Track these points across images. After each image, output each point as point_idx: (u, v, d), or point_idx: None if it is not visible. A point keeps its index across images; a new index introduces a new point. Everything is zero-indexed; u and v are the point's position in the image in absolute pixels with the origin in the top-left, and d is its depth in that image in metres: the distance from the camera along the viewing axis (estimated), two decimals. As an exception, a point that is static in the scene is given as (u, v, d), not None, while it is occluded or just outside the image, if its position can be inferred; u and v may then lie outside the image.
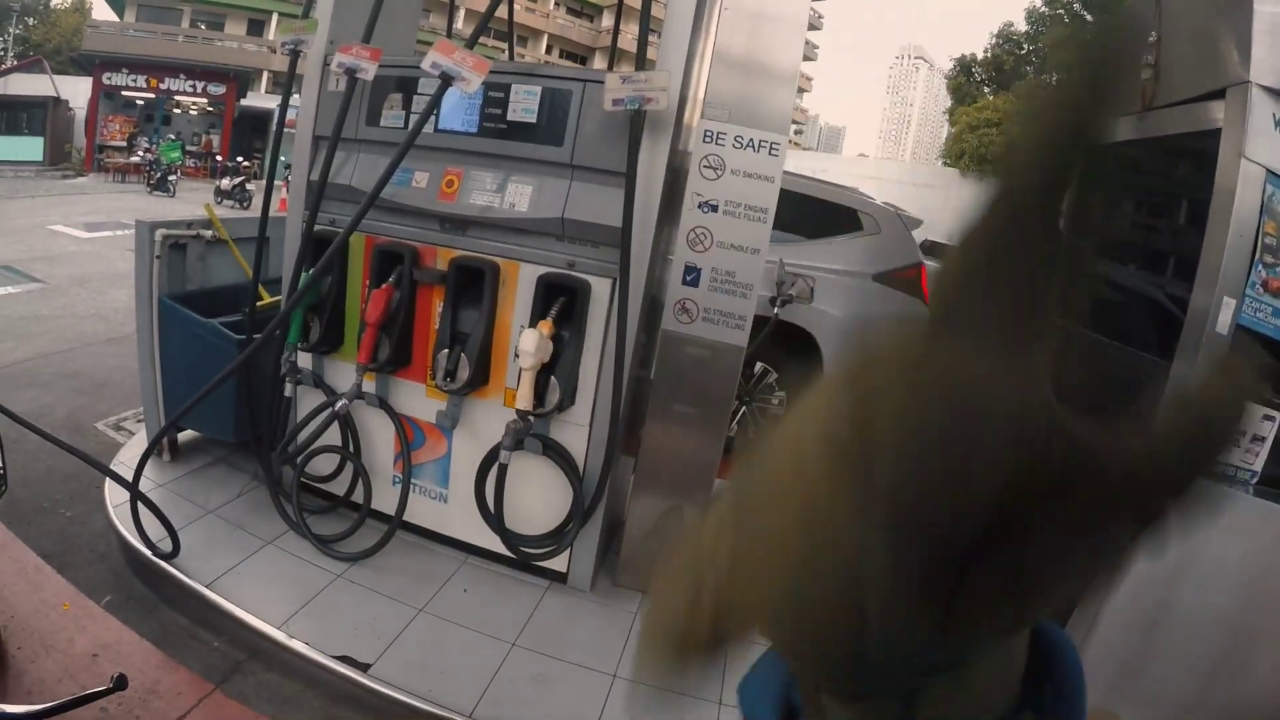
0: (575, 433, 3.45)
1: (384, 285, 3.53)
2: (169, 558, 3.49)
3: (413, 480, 3.75)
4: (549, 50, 39.54)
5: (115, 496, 3.92)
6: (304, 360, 3.87)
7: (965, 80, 33.06)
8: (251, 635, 3.23)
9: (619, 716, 2.94)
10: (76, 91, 29.65)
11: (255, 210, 4.32)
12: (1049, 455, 0.35)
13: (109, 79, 29.83)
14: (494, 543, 3.66)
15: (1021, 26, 31.61)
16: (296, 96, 3.85)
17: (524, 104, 3.36)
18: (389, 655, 3.11)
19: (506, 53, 5.56)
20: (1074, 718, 0.46)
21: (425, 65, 3.13)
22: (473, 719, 2.85)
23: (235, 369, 3.45)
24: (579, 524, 3.46)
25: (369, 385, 3.71)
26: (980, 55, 33.15)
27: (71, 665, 3.24)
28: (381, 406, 3.71)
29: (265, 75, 33.34)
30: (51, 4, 48.76)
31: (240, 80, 31.40)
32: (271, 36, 33.48)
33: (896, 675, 0.41)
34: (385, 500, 3.78)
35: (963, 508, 0.34)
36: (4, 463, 1.49)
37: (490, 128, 3.42)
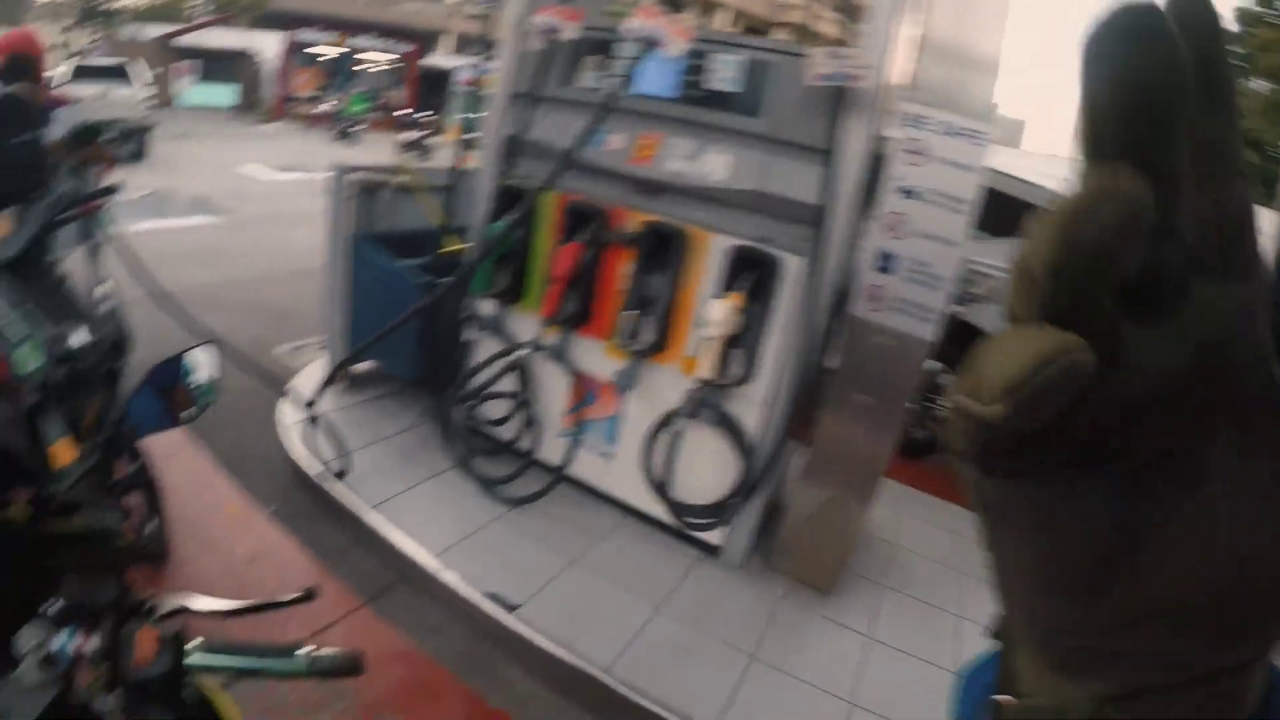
0: (750, 409, 3.35)
1: (573, 242, 3.52)
2: (338, 477, 3.63)
3: (581, 435, 3.75)
4: (734, 22, 39.19)
5: (289, 416, 4.11)
6: (487, 308, 3.92)
7: None
8: (406, 561, 3.31)
9: (751, 698, 2.88)
10: (266, 46, 31.61)
11: (446, 163, 4.45)
12: (1247, 377, 0.32)
13: (299, 35, 31.55)
14: (653, 507, 3.64)
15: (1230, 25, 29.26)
16: (478, 56, 3.93)
17: (724, 73, 3.29)
18: (536, 600, 3.12)
19: (698, 23, 5.55)
20: None
21: (628, 28, 3.13)
22: (609, 675, 2.83)
23: (425, 308, 3.54)
24: (742, 500, 3.38)
25: (549, 338, 3.72)
26: None
27: (232, 565, 3.43)
28: (559, 360, 3.72)
29: (445, 37, 34.41)
30: None
31: (424, 40, 32.67)
32: (451, 1, 34.59)
33: (1092, 644, 0.37)
34: (551, 452, 3.82)
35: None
36: (215, 377, 1.54)
37: (689, 95, 3.36)
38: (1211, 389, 0.32)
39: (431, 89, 31.12)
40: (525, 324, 3.83)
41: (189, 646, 1.00)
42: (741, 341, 3.25)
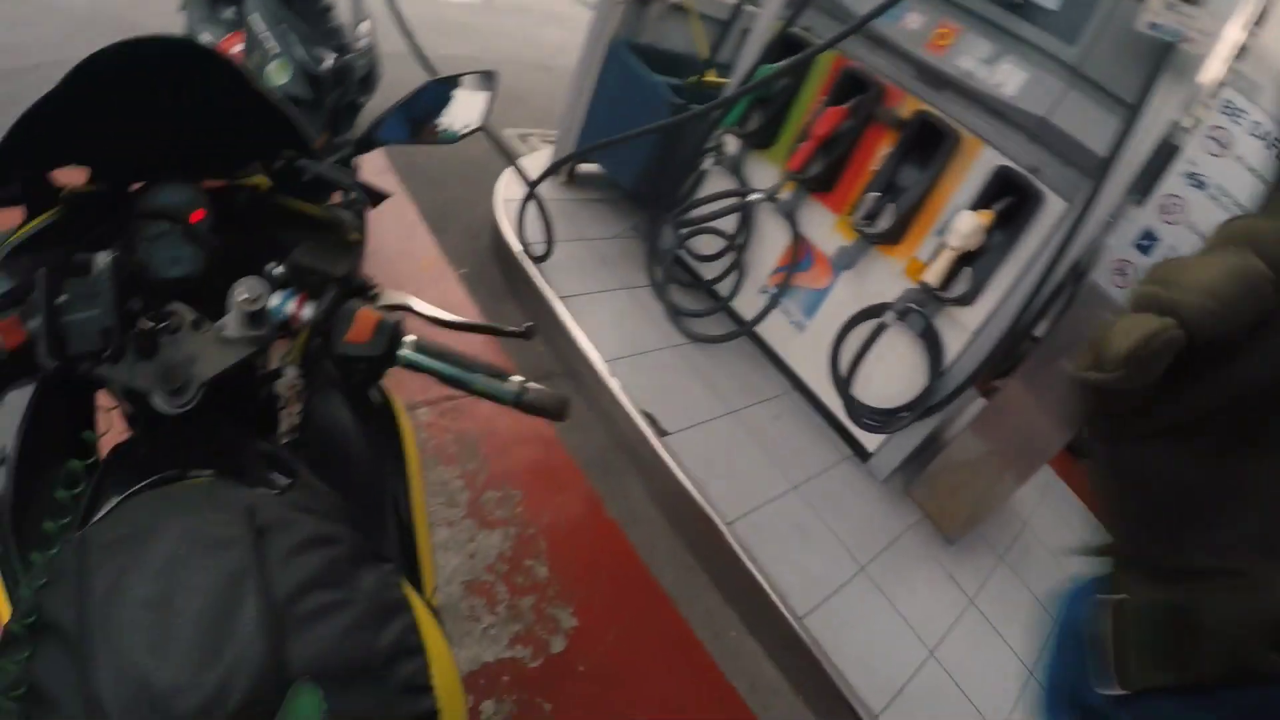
0: (957, 333, 3.25)
1: (841, 107, 3.41)
2: (539, 260, 3.73)
3: (782, 298, 3.75)
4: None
5: (505, 193, 4.22)
6: (731, 145, 3.88)
7: None
8: (577, 355, 3.43)
9: (845, 605, 2.92)
10: None
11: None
12: None
13: None
14: (824, 390, 3.64)
15: None
16: None
17: (1052, -12, 3.09)
18: (685, 434, 3.19)
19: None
20: None
21: None
22: (727, 527, 2.90)
23: (670, 125, 3.54)
24: (915, 416, 3.32)
25: (785, 194, 3.66)
26: None
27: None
28: (787, 218, 3.67)
29: None
30: None
31: None
32: None
33: (1182, 561, 0.48)
34: (746, 305, 3.84)
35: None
36: (487, 108, 1.54)
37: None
38: None
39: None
40: (765, 172, 3.77)
41: (405, 339, 1.00)
42: (976, 263, 3.13)
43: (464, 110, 1.42)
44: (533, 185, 3.76)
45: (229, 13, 3.78)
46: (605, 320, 3.63)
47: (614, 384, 3.29)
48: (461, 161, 4.62)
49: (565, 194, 4.45)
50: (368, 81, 3.66)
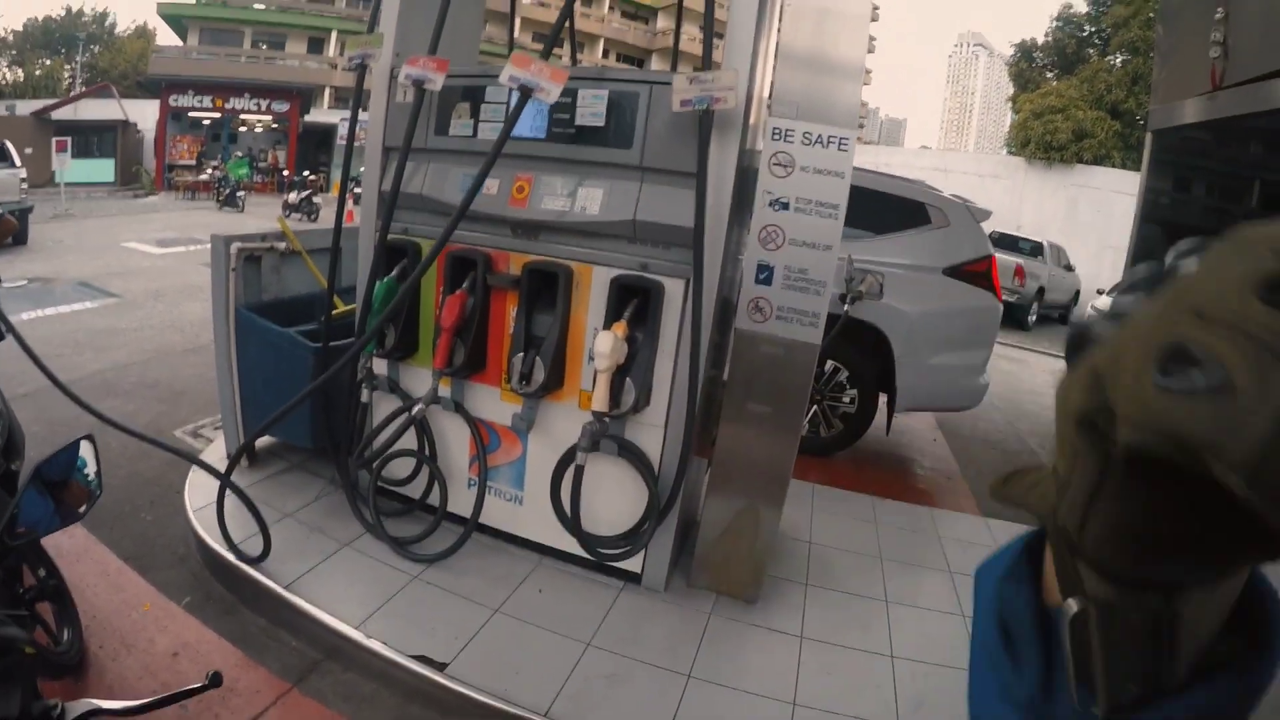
0: (650, 433, 3.45)
1: (458, 291, 3.56)
2: (257, 561, 3.56)
3: (488, 483, 3.77)
4: (605, 54, 39.72)
5: (195, 501, 4.02)
6: (379, 366, 3.92)
7: (1027, 66, 32.13)
8: (329, 635, 3.28)
9: (693, 716, 2.93)
10: (144, 114, 30.85)
11: (324, 222, 4.39)
12: None
13: (175, 101, 30.89)
14: (569, 544, 3.68)
15: (1082, 7, 30.53)
16: (362, 111, 3.91)
17: (592, 108, 3.38)
18: (465, 655, 3.13)
19: (567, 58, 5.60)
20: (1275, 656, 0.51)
21: (503, 79, 3.15)
22: (548, 718, 2.86)
23: (324, 382, 3.51)
24: (654, 524, 3.46)
25: (444, 390, 3.74)
26: (1041, 39, 32.15)
27: (152, 663, 3.34)
28: (457, 411, 3.75)
29: (327, 91, 34.04)
30: (116, 31, 50.70)
31: (303, 97, 32.23)
32: (332, 53, 34.29)
33: (1164, 577, 0.47)
34: (461, 503, 3.82)
35: None
36: (99, 469, 1.52)
37: (559, 133, 3.45)
38: None
39: (317, 145, 30.76)
40: (420, 378, 3.85)
41: None
42: (632, 369, 3.34)
43: (90, 463, 1.35)
44: (224, 482, 3.58)
45: None
46: (340, 586, 3.53)
47: (375, 645, 3.18)
48: (143, 483, 4.36)
49: (253, 477, 4.31)
50: (9, 449, 3.34)
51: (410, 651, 3.12)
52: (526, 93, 3.15)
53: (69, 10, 50.29)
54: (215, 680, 1.23)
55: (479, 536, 3.83)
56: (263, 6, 36.44)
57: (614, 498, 3.54)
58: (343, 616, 3.30)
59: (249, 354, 4.23)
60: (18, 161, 16.53)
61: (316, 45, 36.15)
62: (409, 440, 3.81)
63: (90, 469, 1.48)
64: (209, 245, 4.22)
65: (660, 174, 3.30)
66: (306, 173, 24.95)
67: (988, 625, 0.61)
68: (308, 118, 32.11)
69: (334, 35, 34.92)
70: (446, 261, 3.63)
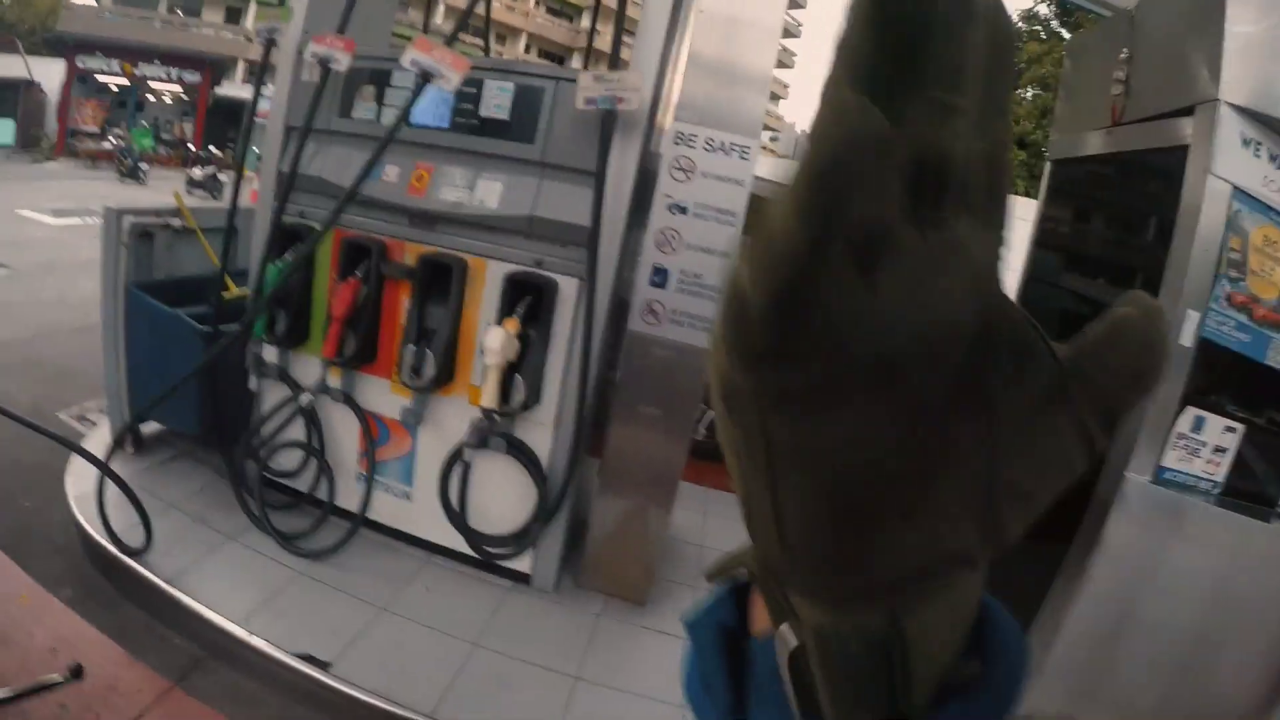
0: (540, 432, 3.46)
1: (351, 279, 3.51)
2: (138, 553, 3.45)
3: (377, 477, 3.74)
4: (527, 49, 39.48)
5: (76, 488, 3.87)
6: (269, 354, 3.83)
7: None
8: (212, 632, 3.20)
9: (581, 717, 2.95)
10: (49, 74, 29.31)
11: (228, 201, 4.27)
12: (1009, 314, 0.36)
13: (83, 63, 29.51)
14: (458, 542, 3.66)
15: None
16: (270, 87, 3.82)
17: (496, 100, 3.36)
18: (350, 654, 3.09)
19: (483, 49, 5.53)
20: (1014, 681, 0.45)
21: (404, 62, 3.12)
22: (434, 719, 2.84)
23: (206, 366, 3.42)
24: (542, 524, 3.48)
25: (334, 380, 3.69)
26: None
27: (29, 658, 3.20)
28: (346, 402, 3.70)
29: (241, 64, 33.00)
30: None
31: (216, 68, 31.20)
32: (249, 25, 33.20)
33: (880, 575, 0.40)
34: (349, 497, 3.78)
35: (947, 335, 0.34)
36: None
37: (462, 123, 3.42)
38: (988, 327, 0.35)
39: (226, 120, 29.79)
40: (310, 367, 3.78)
41: None
42: (523, 366, 3.35)
43: None
44: (104, 469, 3.46)
45: None
46: (224, 581, 3.44)
47: (258, 643, 3.11)
48: (23, 470, 4.17)
49: (138, 464, 4.17)
50: None
51: (294, 650, 3.06)
52: (427, 78, 3.12)
53: None
54: (76, 672, 1.19)
55: (367, 533, 3.78)
56: None
57: (503, 496, 3.54)
58: (226, 613, 3.22)
59: (137, 334, 4.10)
60: None
61: (234, 15, 34.91)
62: (297, 431, 3.75)
63: None
64: (97, 218, 4.05)
65: (561, 171, 3.31)
66: (213, 148, 24.17)
67: (690, 671, 0.56)
68: (219, 90, 31.07)
69: (252, 6, 33.82)
70: (340, 248, 3.58)
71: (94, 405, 5.14)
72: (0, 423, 3.54)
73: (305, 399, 3.62)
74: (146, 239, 4.22)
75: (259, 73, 3.85)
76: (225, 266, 3.89)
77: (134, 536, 3.49)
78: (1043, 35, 23.45)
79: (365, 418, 3.68)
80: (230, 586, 3.39)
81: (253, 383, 3.83)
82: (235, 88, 31.12)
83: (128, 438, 4.10)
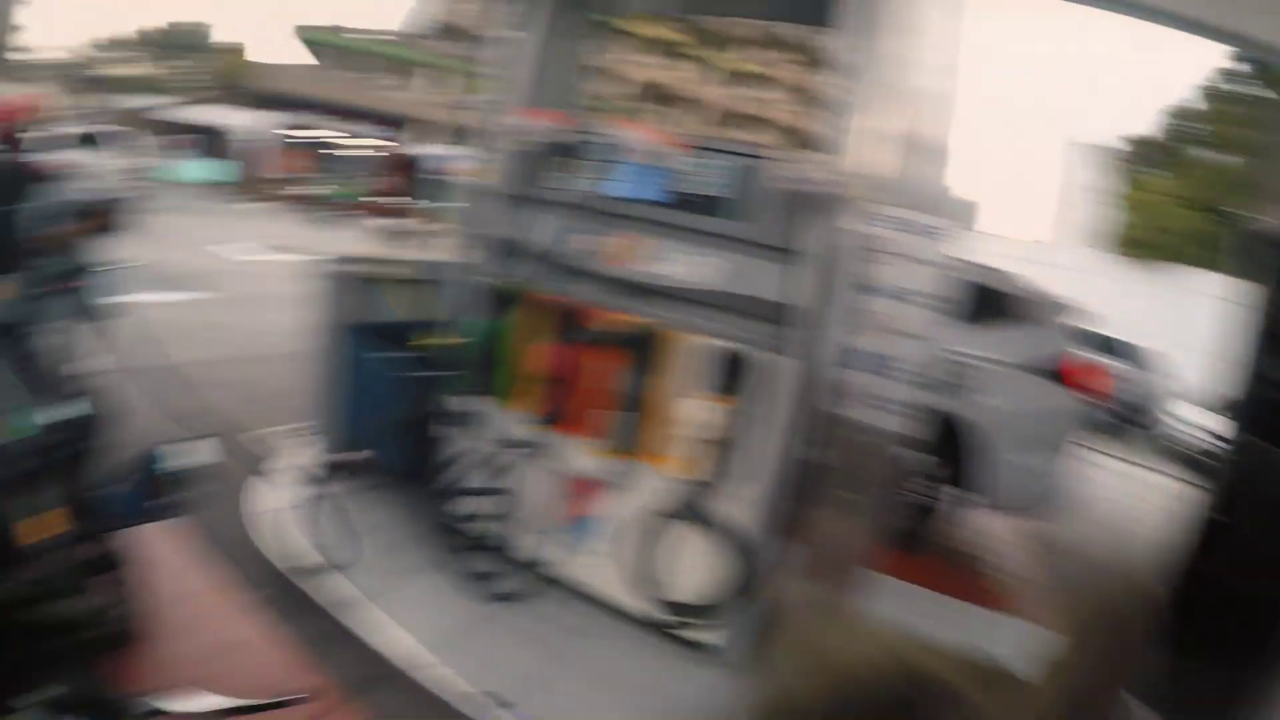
0: (735, 507, 3.42)
1: (557, 342, 3.65)
2: (333, 571, 3.65)
3: (568, 534, 3.79)
4: (713, 121, 40.06)
5: (272, 503, 4.08)
6: (470, 404, 3.97)
7: (1129, 161, 30.81)
8: (388, 657, 3.32)
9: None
10: (255, 125, 32.30)
11: (427, 254, 4.49)
12: None
13: (294, 118, 32.35)
14: (643, 607, 3.64)
15: (1188, 102, 29.16)
16: (458, 147, 4.03)
17: (701, 176, 3.48)
18: (531, 700, 3.12)
19: (677, 124, 5.67)
20: None
21: (614, 139, 3.22)
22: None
23: (412, 410, 3.55)
24: (731, 599, 3.43)
25: (532, 436, 3.79)
26: (1145, 134, 30.73)
27: (204, 654, 3.34)
28: (541, 458, 3.79)
29: (424, 125, 35.11)
30: (214, 45, 54.67)
31: (405, 127, 33.40)
32: (431, 91, 35.56)
33: None
34: (539, 549, 3.85)
35: None
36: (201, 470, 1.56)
37: (666, 197, 3.53)
38: None
39: (408, 175, 31.64)
40: (508, 421, 3.89)
41: None
42: (723, 441, 3.35)
43: (185, 460, 1.38)
44: (323, 488, 3.67)
45: None
46: (410, 610, 3.57)
47: (433, 674, 3.19)
48: (224, 478, 4.42)
49: (335, 489, 4.32)
50: (93, 426, 3.44)
51: (470, 687, 3.13)
52: (636, 154, 3.22)
53: (177, 22, 54.13)
54: (306, 698, 1.25)
55: (553, 586, 3.83)
56: (386, 39, 38.25)
57: (692, 568, 3.51)
58: (405, 640, 3.35)
59: (344, 371, 4.38)
60: (127, 152, 17.21)
61: (418, 81, 37.57)
62: (494, 480, 3.86)
63: (189, 464, 1.51)
64: (302, 257, 4.32)
65: (762, 248, 3.35)
66: (399, 200, 25.46)
67: None
68: (412, 149, 33.11)
69: (435, 72, 36.36)
70: (547, 312, 3.71)
71: (287, 428, 5.40)
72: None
73: (503, 451, 3.74)
74: (357, 283, 4.50)
75: (461, 138, 4.07)
76: (429, 316, 4.07)
77: (328, 555, 3.70)
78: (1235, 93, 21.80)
79: (559, 474, 3.76)
80: (415, 616, 3.51)
81: (453, 429, 3.97)
82: (421, 146, 33.09)
83: (332, 463, 4.33)
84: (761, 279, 3.32)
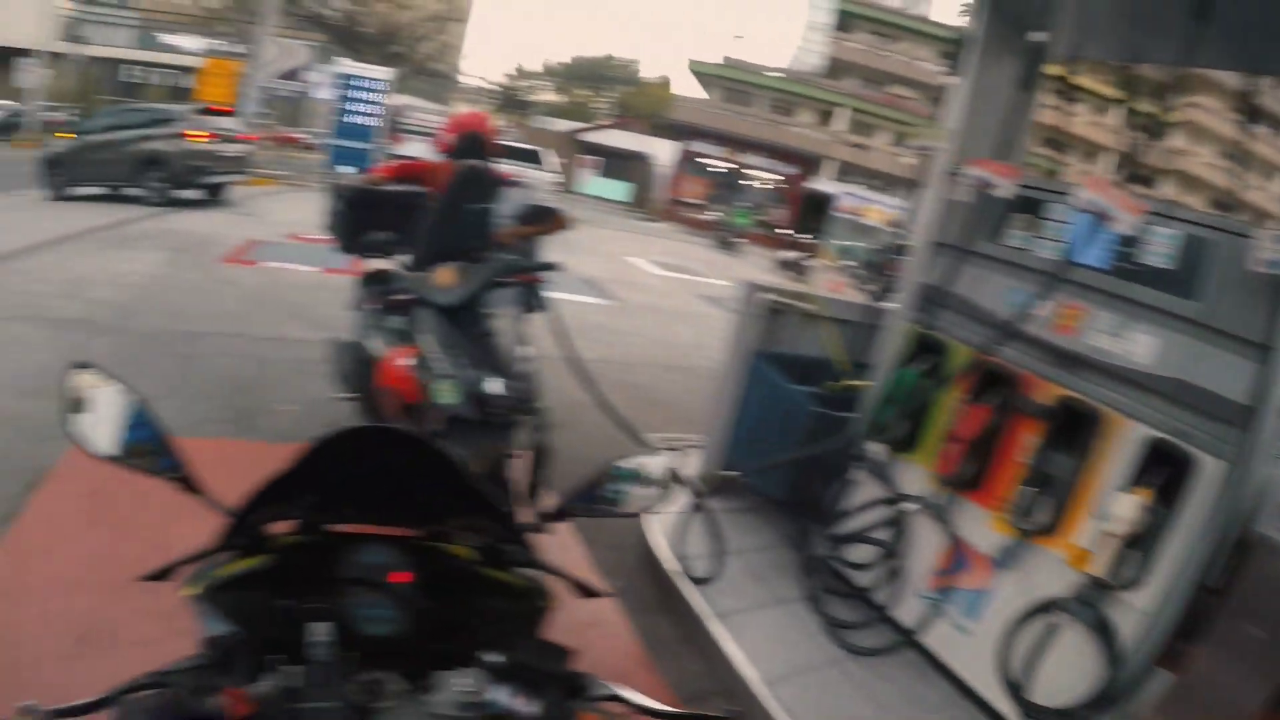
0: (1130, 617, 3.03)
1: (980, 404, 3.45)
2: (703, 581, 3.75)
3: (941, 602, 3.58)
4: (1186, 192, 36.84)
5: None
6: (876, 452, 3.88)
7: None
8: (733, 677, 3.33)
9: None
10: (660, 151, 35.08)
11: (814, 285, 4.51)
12: None
13: (693, 146, 34.71)
14: (995, 696, 3.31)
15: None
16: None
17: (1158, 247, 3.12)
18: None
19: (1144, 191, 5.20)
20: None
21: (1079, 199, 3.02)
22: None
23: (817, 449, 3.57)
24: (1103, 714, 3.03)
25: (934, 496, 3.62)
26: None
27: (568, 627, 3.52)
28: (939, 519, 3.60)
29: (830, 162, 35.75)
30: (640, 77, 60.90)
31: (808, 164, 34.40)
32: (836, 128, 36.23)
33: None
34: (905, 611, 3.68)
35: None
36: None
37: (1120, 267, 3.21)
38: None
39: (811, 211, 32.37)
40: (912, 474, 3.76)
41: None
42: (1139, 543, 2.98)
43: (638, 493, 1.48)
44: (701, 500, 3.82)
45: (397, 322, 4.15)
46: (761, 637, 3.57)
47: (774, 706, 3.15)
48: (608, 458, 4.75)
49: (712, 505, 4.47)
50: (526, 404, 3.84)
51: None
52: (1099, 218, 2.99)
53: (607, 55, 61.40)
54: (734, 716, 1.25)
55: (906, 651, 3.64)
56: (778, 75, 39.76)
57: (1063, 668, 3.13)
58: (754, 665, 3.34)
59: (749, 395, 4.52)
60: (550, 166, 19.36)
61: (825, 117, 38.38)
62: (879, 531, 3.77)
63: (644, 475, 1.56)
64: (704, 278, 4.53)
65: (1220, 336, 2.93)
66: (804, 236, 25.99)
67: None
68: (808, 184, 33.99)
69: (842, 111, 36.99)
70: (975, 371, 3.53)
71: (676, 438, 5.64)
72: (591, 424, 3.95)
73: (905, 506, 3.62)
74: (776, 315, 4.62)
75: (915, 185, 4.02)
76: (843, 355, 4.07)
77: (705, 571, 3.80)
78: None
79: (950, 539, 3.56)
80: (764, 646, 3.50)
81: (852, 474, 3.91)
82: (822, 183, 33.84)
83: (714, 480, 4.49)
84: (1213, 368, 2.91)
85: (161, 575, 1.17)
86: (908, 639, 3.57)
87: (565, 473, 4.69)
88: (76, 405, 1.23)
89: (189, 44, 39.56)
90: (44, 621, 3.17)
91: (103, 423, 1.23)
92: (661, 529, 4.15)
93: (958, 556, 3.55)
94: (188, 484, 1.26)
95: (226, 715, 0.97)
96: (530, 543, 1.28)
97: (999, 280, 3.50)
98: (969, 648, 3.48)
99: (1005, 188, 3.40)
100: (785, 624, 3.72)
